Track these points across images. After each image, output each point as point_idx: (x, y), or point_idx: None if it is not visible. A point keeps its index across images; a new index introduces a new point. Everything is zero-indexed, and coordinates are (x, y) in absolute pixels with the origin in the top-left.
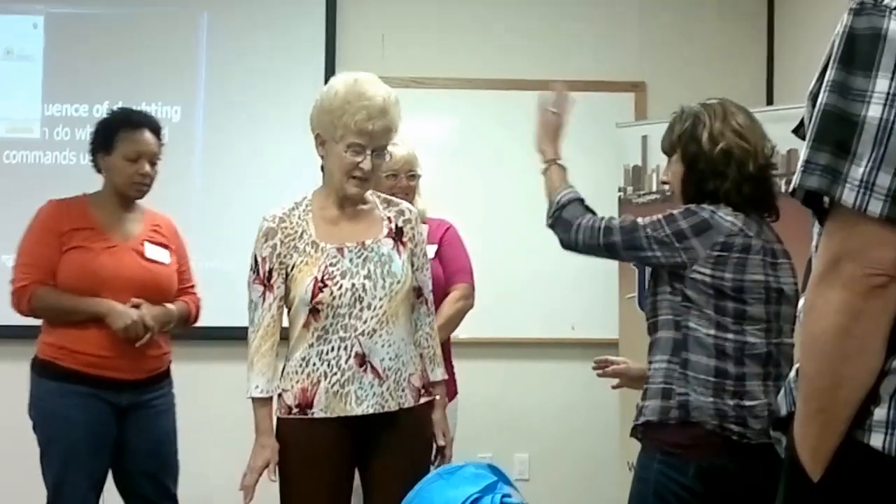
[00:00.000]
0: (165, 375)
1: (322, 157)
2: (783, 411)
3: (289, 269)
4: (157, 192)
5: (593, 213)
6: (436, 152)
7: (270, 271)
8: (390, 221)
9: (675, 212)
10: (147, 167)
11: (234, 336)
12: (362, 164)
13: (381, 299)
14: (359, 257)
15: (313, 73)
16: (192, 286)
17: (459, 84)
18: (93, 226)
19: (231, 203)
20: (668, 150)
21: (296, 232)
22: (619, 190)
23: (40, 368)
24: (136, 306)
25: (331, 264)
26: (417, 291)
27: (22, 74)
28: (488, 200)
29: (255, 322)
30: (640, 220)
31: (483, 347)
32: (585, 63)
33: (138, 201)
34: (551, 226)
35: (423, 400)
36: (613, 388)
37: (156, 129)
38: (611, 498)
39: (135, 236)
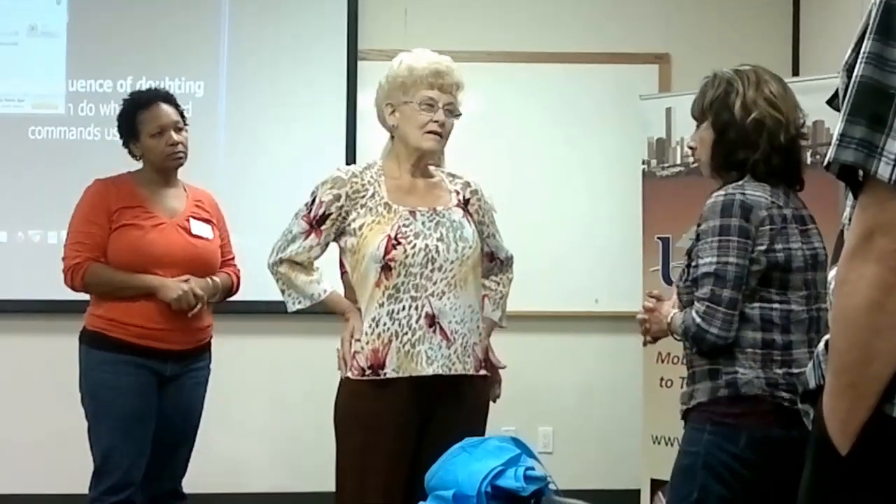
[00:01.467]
0: (207, 348)
1: (392, 129)
2: (812, 384)
3: (354, 227)
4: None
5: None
6: (460, 126)
7: (325, 217)
8: (458, 193)
9: (716, 222)
10: (174, 136)
11: (257, 310)
12: (436, 118)
13: (452, 262)
14: (431, 221)
15: (336, 47)
16: (233, 258)
17: (482, 57)
18: (140, 203)
19: (254, 178)
20: (699, 117)
21: (367, 191)
22: (643, 163)
23: (90, 339)
24: (185, 281)
25: (404, 224)
26: (490, 256)
27: (46, 50)
28: (513, 174)
29: (285, 250)
30: (706, 265)
31: (507, 320)
32: (609, 35)
33: (179, 178)
34: (702, 353)
35: (481, 372)
36: (646, 344)
37: (168, 99)
38: (635, 472)
39: (180, 213)
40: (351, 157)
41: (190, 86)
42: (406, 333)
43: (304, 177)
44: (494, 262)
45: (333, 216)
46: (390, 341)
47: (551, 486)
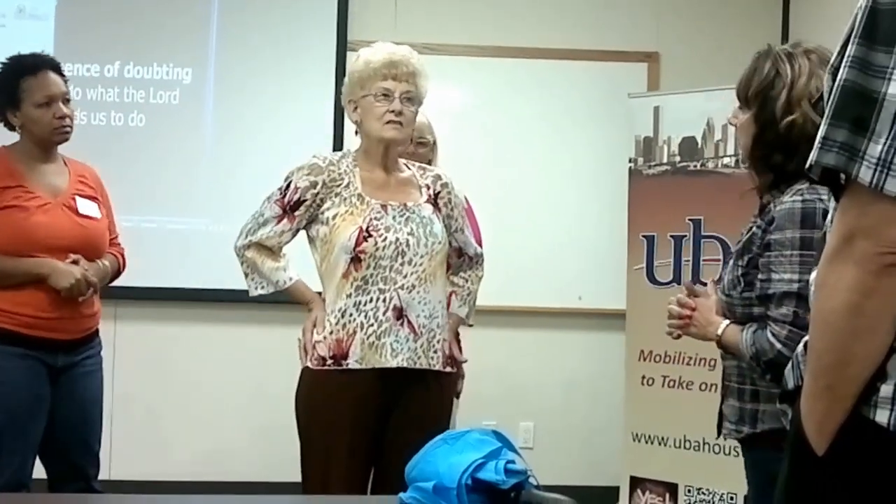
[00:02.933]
0: (96, 334)
1: (357, 125)
2: (790, 385)
3: (327, 216)
4: (166, 153)
5: (765, 320)
6: (448, 120)
7: (299, 203)
8: (429, 188)
9: (795, 233)
10: (63, 108)
11: (242, 299)
12: (392, 107)
13: (422, 257)
14: (401, 216)
15: (325, 37)
16: (117, 237)
17: (472, 51)
18: (21, 182)
19: (241, 166)
20: (743, 103)
21: (342, 180)
22: (630, 161)
23: None
24: (75, 262)
25: (375, 217)
26: (458, 251)
27: (34, 33)
28: (500, 169)
29: (255, 233)
30: (785, 282)
31: (490, 316)
32: (599, 32)
33: (59, 151)
34: (775, 378)
35: (447, 369)
36: (676, 337)
37: (56, 68)
38: (615, 469)
39: (63, 190)
40: (338, 147)
41: (178, 72)
42: (372, 325)
43: (291, 165)
44: (463, 259)
45: (308, 203)
46: (355, 332)
47: (531, 480)
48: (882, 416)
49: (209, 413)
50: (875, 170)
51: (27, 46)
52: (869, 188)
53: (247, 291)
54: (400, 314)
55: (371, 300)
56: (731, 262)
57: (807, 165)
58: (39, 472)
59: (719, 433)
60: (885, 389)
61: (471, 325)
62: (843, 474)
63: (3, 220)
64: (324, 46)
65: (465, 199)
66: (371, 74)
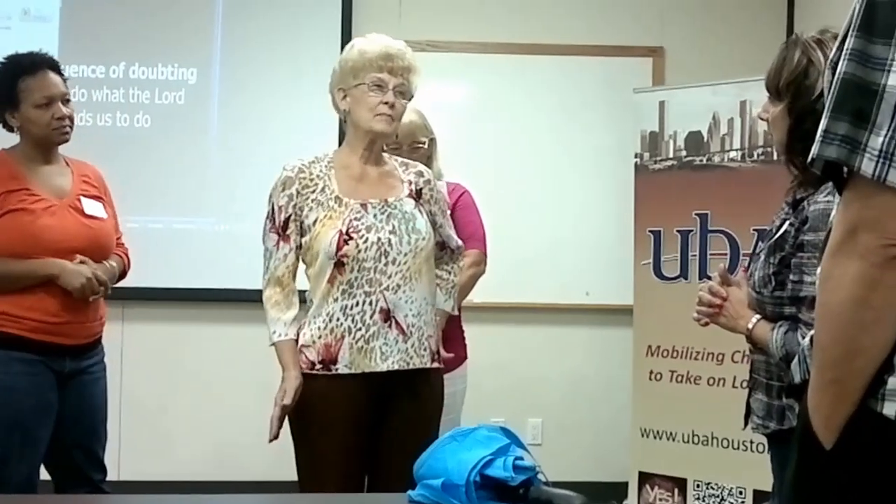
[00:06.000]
0: (100, 341)
1: (345, 113)
2: (797, 379)
3: (308, 223)
4: (172, 154)
5: (795, 320)
6: (452, 116)
7: (287, 221)
8: (411, 183)
9: (816, 237)
10: (62, 108)
11: (248, 298)
12: (385, 99)
13: (406, 255)
14: (382, 213)
15: (330, 34)
16: (121, 237)
17: (476, 48)
18: (25, 185)
19: (247, 165)
20: (774, 95)
21: (316, 185)
22: (636, 156)
23: None
24: (82, 263)
25: (355, 218)
26: (441, 245)
27: (39, 35)
28: (506, 165)
29: (269, 270)
30: (810, 279)
31: (497, 312)
32: (603, 27)
33: (60, 151)
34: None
35: (435, 364)
36: (704, 324)
37: (55, 67)
38: (623, 464)
39: (68, 191)
40: None
41: (183, 73)
42: (360, 329)
43: (297, 163)
44: (445, 251)
45: (293, 217)
46: (343, 337)
47: (540, 477)
48: (890, 409)
49: (217, 413)
50: (877, 162)
51: (32, 48)
52: (871, 180)
53: (253, 291)
54: (387, 316)
55: (357, 304)
56: (763, 257)
57: (808, 159)
58: (44, 472)
59: (746, 425)
60: (893, 382)
61: (456, 315)
62: (851, 468)
63: (9, 223)
64: (328, 45)
65: (469, 195)
66: (366, 64)
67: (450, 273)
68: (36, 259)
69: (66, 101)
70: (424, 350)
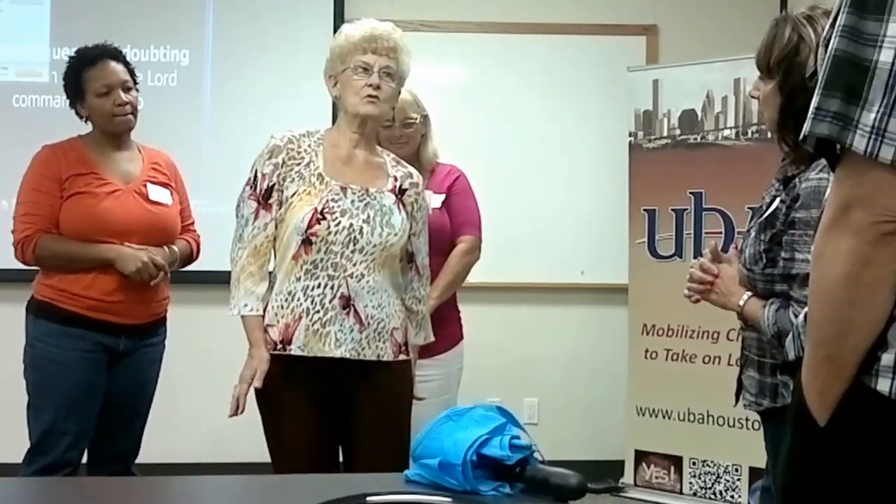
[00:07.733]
0: (163, 322)
1: (336, 100)
2: (791, 356)
3: (287, 195)
4: (165, 135)
5: (787, 297)
6: (445, 96)
7: (270, 189)
8: (396, 179)
9: (807, 215)
10: (122, 95)
11: None
12: (370, 81)
13: (374, 246)
14: (360, 201)
15: (322, 15)
16: (192, 223)
17: (469, 28)
18: (93, 170)
19: (240, 147)
20: (765, 73)
21: (302, 158)
22: (630, 135)
23: (37, 310)
24: (142, 250)
25: (332, 199)
26: (410, 257)
27: (30, 18)
28: (500, 145)
29: (244, 238)
30: (802, 261)
31: (493, 292)
32: (597, 6)
33: (133, 139)
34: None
35: (401, 357)
36: (695, 301)
37: (116, 56)
38: (619, 442)
39: (135, 177)
40: None
41: (175, 54)
42: (318, 312)
43: None
44: (411, 266)
45: (277, 186)
46: (300, 318)
47: (536, 456)
48: (884, 385)
49: (216, 395)
50: (869, 138)
51: (24, 31)
52: (863, 157)
53: None
54: (347, 303)
55: (319, 286)
56: (753, 234)
57: (800, 136)
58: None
59: (737, 402)
60: (886, 358)
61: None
62: (845, 444)
63: (74, 205)
64: (321, 26)
65: (464, 178)
66: (351, 49)
67: (419, 302)
68: (96, 244)
69: (128, 89)
70: (384, 342)
